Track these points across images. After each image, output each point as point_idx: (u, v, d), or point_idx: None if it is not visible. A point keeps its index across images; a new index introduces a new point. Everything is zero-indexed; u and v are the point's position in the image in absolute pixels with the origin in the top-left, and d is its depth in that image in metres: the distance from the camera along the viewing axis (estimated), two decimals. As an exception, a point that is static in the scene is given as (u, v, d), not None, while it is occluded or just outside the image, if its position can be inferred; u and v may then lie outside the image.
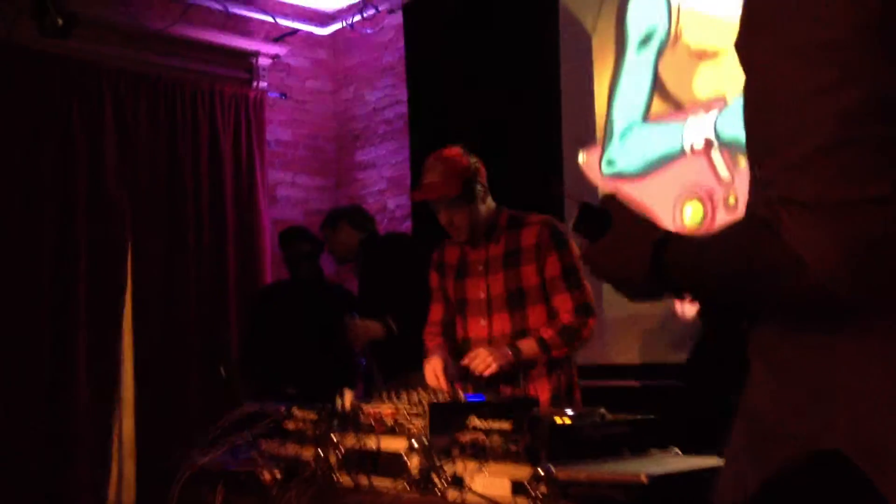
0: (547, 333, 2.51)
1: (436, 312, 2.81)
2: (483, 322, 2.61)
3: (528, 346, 2.50)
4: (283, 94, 5.21)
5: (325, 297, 4.17)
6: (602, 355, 3.69)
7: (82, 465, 4.04)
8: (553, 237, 2.53)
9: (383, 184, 5.20)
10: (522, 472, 1.64)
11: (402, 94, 5.04)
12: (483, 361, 2.43)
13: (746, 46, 0.96)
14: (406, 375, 3.25)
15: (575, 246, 2.55)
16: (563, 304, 2.53)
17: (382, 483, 1.88)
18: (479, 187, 2.61)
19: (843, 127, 0.85)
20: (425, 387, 2.35)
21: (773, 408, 1.02)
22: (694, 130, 3.46)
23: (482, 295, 2.61)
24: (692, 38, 3.50)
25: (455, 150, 2.66)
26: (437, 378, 2.46)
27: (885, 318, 0.91)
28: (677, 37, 3.56)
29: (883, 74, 0.85)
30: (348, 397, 2.35)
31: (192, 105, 4.64)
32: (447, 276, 2.75)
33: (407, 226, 4.89)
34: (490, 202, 2.67)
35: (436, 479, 1.78)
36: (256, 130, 4.90)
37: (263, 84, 5.02)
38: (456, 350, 2.72)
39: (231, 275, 4.65)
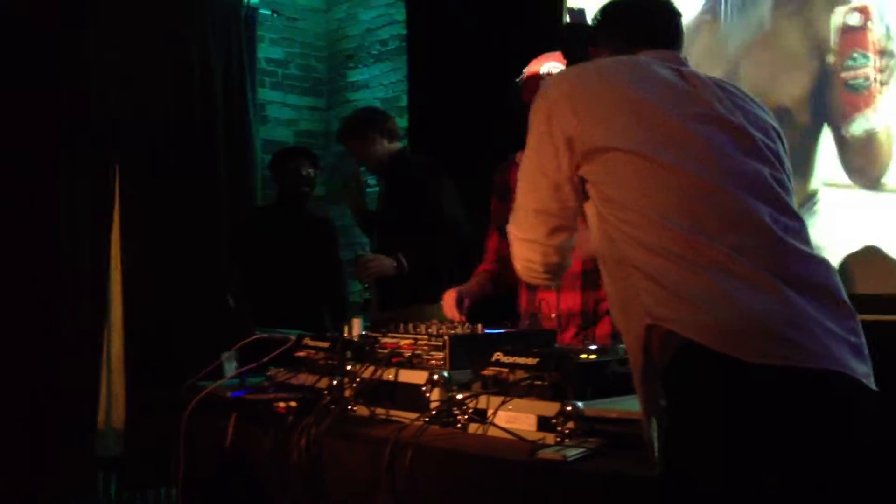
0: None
1: (492, 239, 2.68)
2: None
3: None
4: (275, 12, 5.03)
5: (311, 224, 4.10)
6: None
7: (71, 386, 4.01)
8: None
9: (376, 105, 5.08)
10: (549, 408, 1.62)
11: (398, 14, 4.89)
12: None
13: None
14: (403, 307, 3.20)
15: None
16: None
17: (400, 416, 1.87)
18: None
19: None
20: (429, 319, 2.30)
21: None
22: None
23: None
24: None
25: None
26: (450, 309, 2.42)
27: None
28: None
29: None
30: (356, 326, 2.32)
31: (183, 20, 4.46)
32: (507, 200, 2.61)
33: (401, 150, 4.80)
34: None
35: (457, 413, 1.77)
36: (247, 48, 4.74)
37: (255, 0, 4.84)
38: (508, 281, 2.58)
39: (221, 196, 4.56)
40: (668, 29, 1.62)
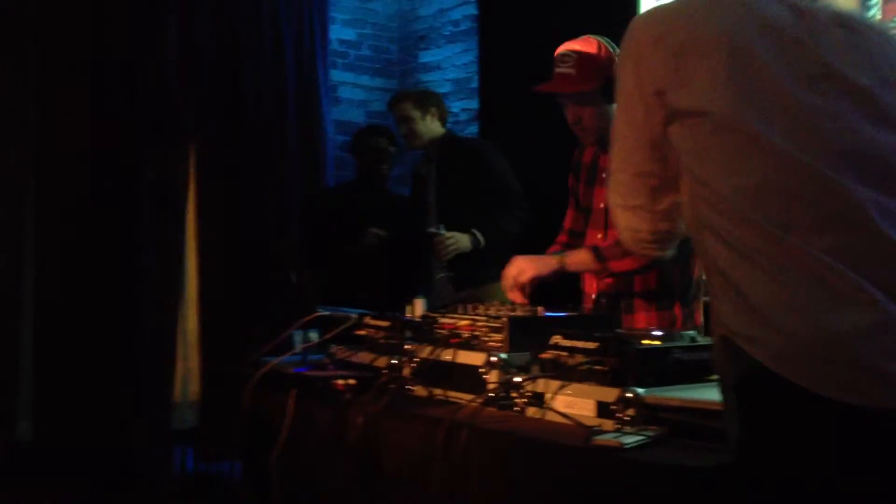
0: (604, 243, 2.31)
1: (567, 218, 2.62)
2: (599, 235, 2.42)
3: (579, 254, 2.27)
4: (348, -8, 5.04)
5: (389, 202, 4.10)
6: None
7: (150, 360, 4.12)
8: None
9: (448, 87, 5.05)
10: (608, 393, 1.58)
11: (471, -7, 4.85)
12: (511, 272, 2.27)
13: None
14: (479, 286, 3.19)
15: None
16: None
17: (457, 397, 1.85)
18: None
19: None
20: (501, 299, 2.28)
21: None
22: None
23: (602, 205, 2.40)
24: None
25: (593, 43, 2.37)
26: (511, 287, 2.37)
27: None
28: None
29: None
30: (419, 306, 2.31)
31: (255, 1, 4.50)
32: (580, 178, 2.55)
33: (472, 130, 4.76)
34: None
35: (514, 396, 1.74)
36: (320, 29, 4.76)
37: (328, -19, 4.87)
38: None
39: (293, 176, 4.61)
40: None
